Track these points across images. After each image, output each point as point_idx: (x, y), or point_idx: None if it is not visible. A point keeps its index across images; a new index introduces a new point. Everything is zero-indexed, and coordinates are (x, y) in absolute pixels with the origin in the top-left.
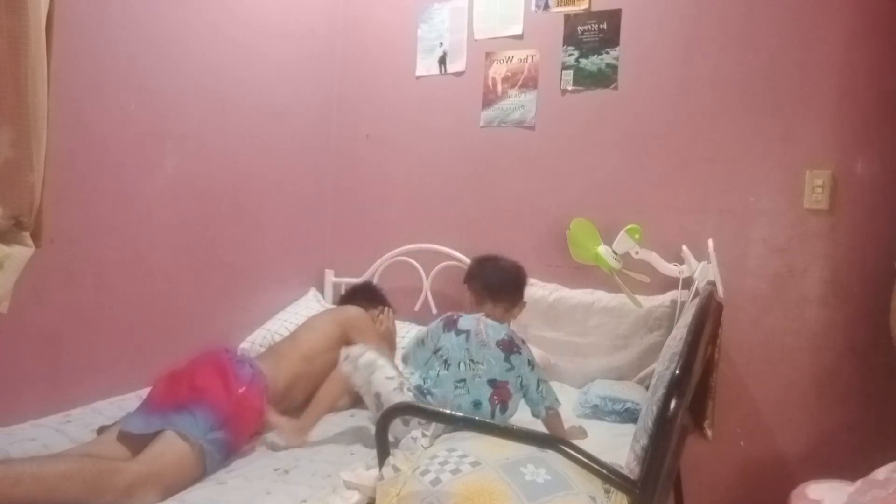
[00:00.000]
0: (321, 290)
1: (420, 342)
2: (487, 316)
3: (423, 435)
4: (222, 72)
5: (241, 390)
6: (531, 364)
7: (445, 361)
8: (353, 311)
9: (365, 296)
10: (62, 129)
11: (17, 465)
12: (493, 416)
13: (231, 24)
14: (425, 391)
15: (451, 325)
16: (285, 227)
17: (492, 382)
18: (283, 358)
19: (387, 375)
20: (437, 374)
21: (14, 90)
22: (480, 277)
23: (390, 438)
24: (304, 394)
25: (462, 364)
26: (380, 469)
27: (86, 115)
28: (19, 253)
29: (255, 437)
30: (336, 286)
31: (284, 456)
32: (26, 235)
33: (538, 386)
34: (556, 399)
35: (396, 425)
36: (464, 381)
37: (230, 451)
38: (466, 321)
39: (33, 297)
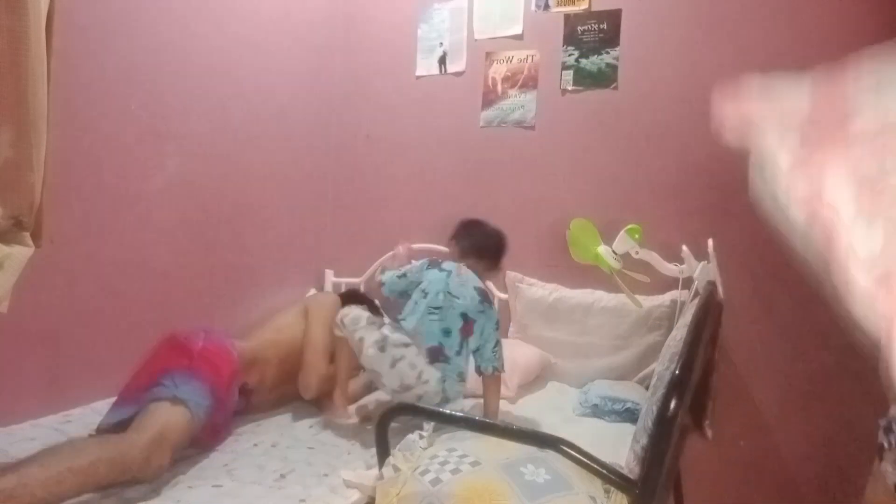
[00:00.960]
0: (321, 290)
1: (402, 275)
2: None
3: (421, 437)
4: (222, 72)
5: (198, 346)
6: (497, 324)
7: (424, 291)
8: (324, 294)
9: (350, 296)
10: (62, 129)
11: (53, 463)
12: (461, 346)
13: (231, 23)
14: (399, 320)
15: (434, 264)
16: (285, 227)
17: (463, 316)
18: (254, 331)
19: (370, 331)
20: (416, 302)
21: (14, 90)
22: (469, 236)
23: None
24: (275, 358)
25: (441, 294)
26: (380, 469)
27: (86, 115)
28: (19, 253)
29: (242, 392)
30: (336, 286)
31: (283, 456)
32: (26, 235)
33: (495, 346)
34: (503, 365)
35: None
36: (440, 308)
37: (214, 396)
38: (449, 264)
39: (33, 297)
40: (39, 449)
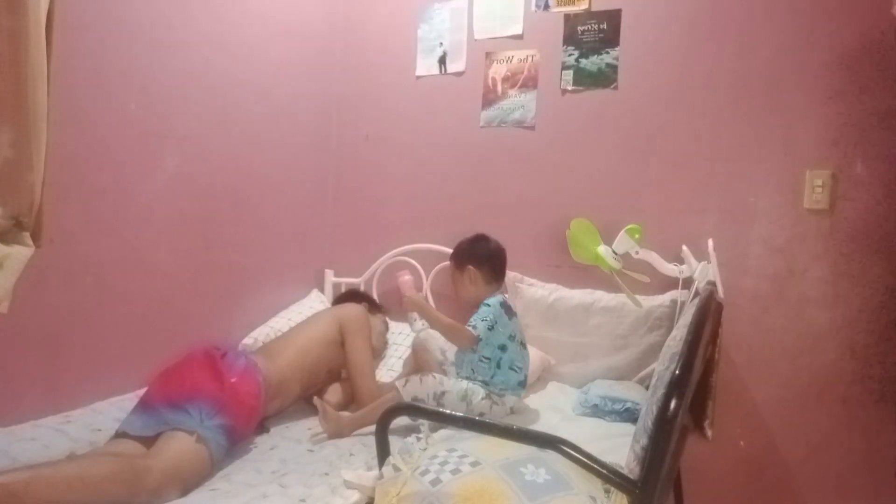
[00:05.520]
0: (321, 290)
1: (491, 327)
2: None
3: (417, 439)
4: (222, 72)
5: (233, 380)
6: None
7: (521, 343)
8: (354, 309)
9: (364, 300)
10: (62, 129)
11: (63, 467)
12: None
13: (231, 23)
14: (517, 369)
15: (510, 312)
16: (285, 227)
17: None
18: (277, 353)
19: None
20: (521, 354)
21: (14, 90)
22: (488, 261)
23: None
24: (299, 386)
25: (525, 338)
26: (380, 469)
27: (86, 115)
28: (19, 253)
29: (259, 426)
30: (336, 286)
31: (282, 458)
32: (26, 235)
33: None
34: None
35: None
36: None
37: (233, 437)
38: (511, 304)
39: (33, 297)
40: (41, 448)
